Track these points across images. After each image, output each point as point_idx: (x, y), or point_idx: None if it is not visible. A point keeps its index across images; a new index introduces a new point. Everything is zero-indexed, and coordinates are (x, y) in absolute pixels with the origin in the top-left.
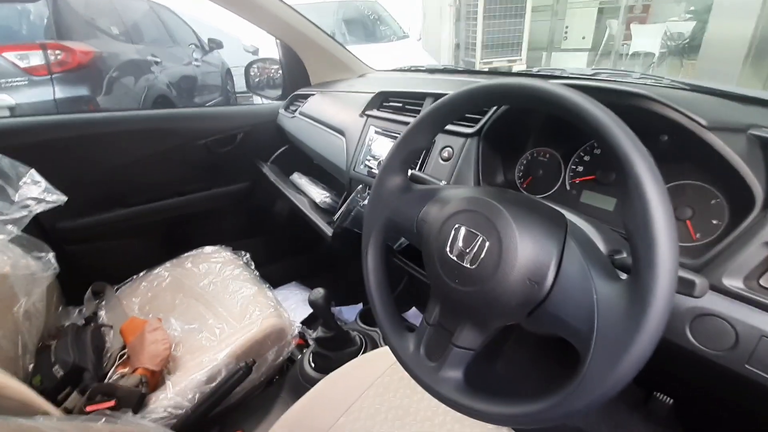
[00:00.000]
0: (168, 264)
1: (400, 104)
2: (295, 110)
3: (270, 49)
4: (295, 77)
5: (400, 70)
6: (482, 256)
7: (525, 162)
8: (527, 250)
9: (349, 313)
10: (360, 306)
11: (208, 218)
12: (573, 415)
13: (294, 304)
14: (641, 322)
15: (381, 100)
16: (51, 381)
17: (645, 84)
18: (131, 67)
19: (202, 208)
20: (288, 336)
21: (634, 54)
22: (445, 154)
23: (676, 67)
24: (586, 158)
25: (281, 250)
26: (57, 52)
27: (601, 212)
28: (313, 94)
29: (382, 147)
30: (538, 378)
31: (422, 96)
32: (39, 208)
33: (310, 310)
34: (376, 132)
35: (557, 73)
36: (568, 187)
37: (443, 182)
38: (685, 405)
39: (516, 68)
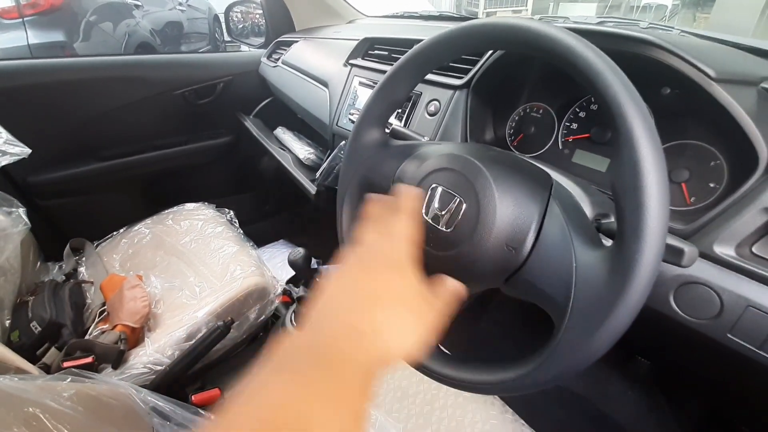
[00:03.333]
0: (149, 221)
1: (386, 52)
2: (278, 59)
3: None
4: (278, 22)
5: (393, 16)
6: (458, 218)
7: (517, 118)
8: (506, 214)
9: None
10: None
11: (189, 174)
12: (541, 385)
13: (281, 263)
14: (620, 294)
15: (366, 47)
16: (29, 337)
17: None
18: (109, 11)
19: (183, 163)
20: (271, 294)
21: (645, 6)
22: (432, 108)
23: (689, 21)
24: (582, 114)
25: (268, 207)
26: None
27: (594, 173)
28: (296, 41)
29: (364, 98)
30: (513, 346)
31: (410, 43)
32: (1, 162)
33: None
34: (361, 83)
35: (560, 22)
36: (560, 146)
37: (426, 138)
38: (664, 369)
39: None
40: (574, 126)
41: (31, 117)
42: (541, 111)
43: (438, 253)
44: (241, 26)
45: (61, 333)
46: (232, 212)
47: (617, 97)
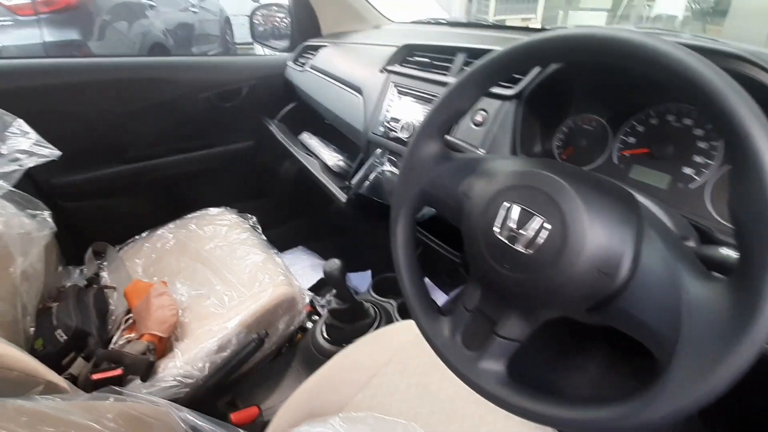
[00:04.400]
0: (171, 225)
1: (427, 60)
2: (305, 63)
3: None
4: (305, 26)
5: (420, 22)
6: (541, 240)
7: (566, 130)
8: (598, 236)
9: (357, 280)
10: (369, 273)
11: (211, 178)
12: (646, 427)
13: (301, 270)
14: (746, 331)
15: (405, 54)
16: (54, 345)
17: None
18: (124, 11)
19: (204, 167)
20: (299, 305)
21: (656, 17)
22: (479, 118)
23: (698, 32)
24: (640, 128)
25: (287, 212)
26: None
27: (654, 190)
28: (325, 46)
29: (405, 107)
30: (595, 378)
31: (453, 51)
32: (30, 163)
33: (318, 276)
34: (399, 90)
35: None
36: (615, 160)
37: (483, 151)
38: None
39: (531, 26)
40: (632, 140)
41: (56, 117)
42: (593, 123)
43: (515, 276)
44: (261, 29)
45: (86, 341)
46: (254, 218)
47: (742, 118)
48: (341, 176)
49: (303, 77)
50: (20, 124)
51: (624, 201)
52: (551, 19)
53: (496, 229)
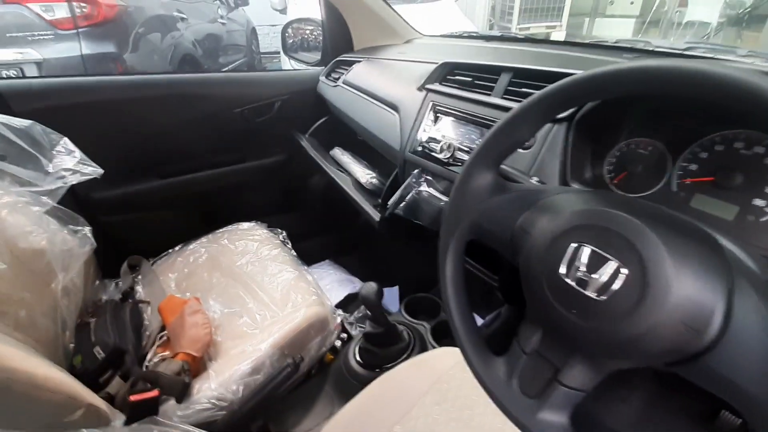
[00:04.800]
0: (204, 239)
1: (468, 79)
2: (338, 78)
3: (300, 6)
4: (338, 41)
5: (451, 36)
6: (616, 286)
7: (618, 154)
8: (685, 287)
9: (386, 296)
10: (396, 290)
11: (242, 192)
12: None
13: (329, 285)
14: None
15: (444, 72)
16: (92, 362)
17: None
18: (157, 23)
19: (236, 181)
20: (330, 325)
21: (688, 23)
22: (527, 142)
23: (732, 40)
24: (703, 155)
25: (315, 226)
26: (82, 4)
27: (718, 221)
28: (358, 61)
29: (444, 128)
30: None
31: (497, 70)
32: (74, 180)
33: (346, 292)
34: (438, 110)
35: (639, 46)
36: (674, 188)
37: (535, 179)
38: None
39: (555, 35)
40: (693, 167)
41: (97, 133)
42: (649, 148)
43: (585, 323)
44: (291, 42)
45: (123, 359)
46: (284, 233)
47: None
48: (373, 193)
49: (335, 92)
50: (66, 142)
51: (709, 246)
52: (576, 27)
53: (562, 271)
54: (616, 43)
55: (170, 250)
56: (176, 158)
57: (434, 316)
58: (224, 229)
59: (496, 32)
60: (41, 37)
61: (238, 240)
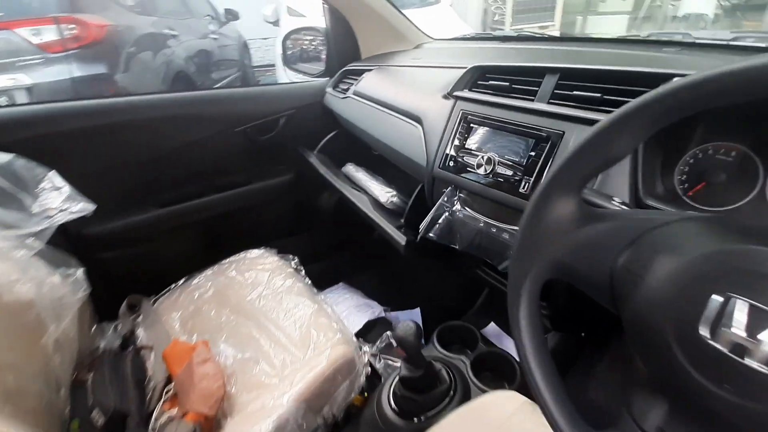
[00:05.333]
0: (209, 272)
1: (506, 83)
2: (347, 89)
3: (294, 18)
4: (344, 50)
5: (463, 38)
6: None
7: (691, 161)
8: None
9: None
10: (418, 312)
11: (248, 216)
12: None
13: (346, 311)
14: None
15: (475, 77)
16: (91, 428)
17: None
18: (148, 42)
19: (241, 205)
20: (358, 365)
21: (684, 16)
22: None
23: (730, 29)
24: None
25: (326, 247)
26: (70, 26)
27: None
28: (368, 70)
29: (480, 139)
30: None
31: (540, 72)
32: (62, 219)
33: (365, 319)
34: (471, 119)
35: (677, 38)
36: None
37: (616, 201)
38: None
39: (597, 36)
40: None
41: (88, 163)
42: (732, 153)
43: (748, 404)
44: (291, 52)
45: (126, 424)
46: (296, 258)
47: None
48: (394, 213)
49: (345, 105)
50: (52, 176)
51: None
52: (569, 25)
53: (703, 332)
54: (648, 37)
55: (173, 285)
56: (176, 184)
57: (469, 346)
58: (231, 258)
59: (511, 32)
60: (31, 62)
61: (247, 270)
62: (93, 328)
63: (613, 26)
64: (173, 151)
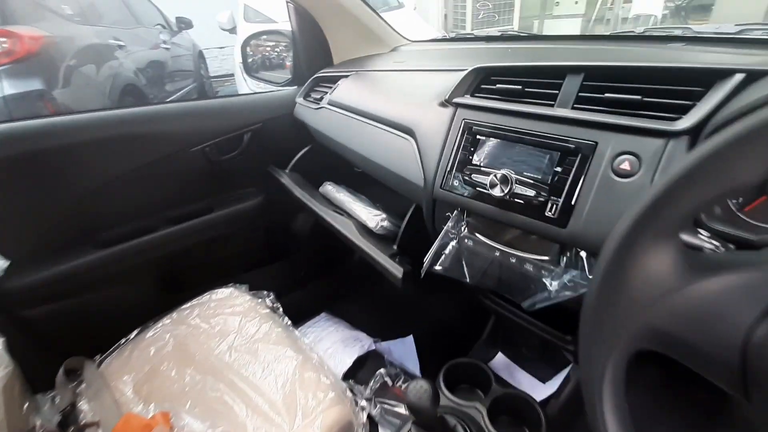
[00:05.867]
0: (167, 320)
1: (517, 87)
2: (320, 99)
3: (252, 24)
4: (314, 55)
5: (443, 40)
6: None
7: None
8: None
9: (400, 350)
10: (411, 340)
11: (211, 250)
12: None
13: (331, 348)
14: None
15: (478, 81)
16: None
17: None
18: (92, 54)
19: (205, 237)
20: (356, 428)
21: (635, 17)
22: (625, 166)
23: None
24: None
25: (304, 275)
26: (1, 39)
27: None
28: (344, 76)
29: (491, 153)
30: None
31: (559, 72)
32: None
33: (354, 355)
34: (477, 130)
35: (678, 33)
36: None
37: (715, 243)
38: None
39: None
40: None
41: (8, 200)
42: None
43: None
44: (251, 60)
45: None
46: (272, 295)
47: None
48: (385, 238)
49: (319, 116)
50: None
51: None
52: (527, 29)
53: None
54: (644, 32)
55: (122, 341)
56: (121, 219)
57: (480, 386)
58: (193, 302)
59: (494, 32)
60: None
61: (213, 315)
62: (25, 406)
63: (568, 28)
64: (116, 179)
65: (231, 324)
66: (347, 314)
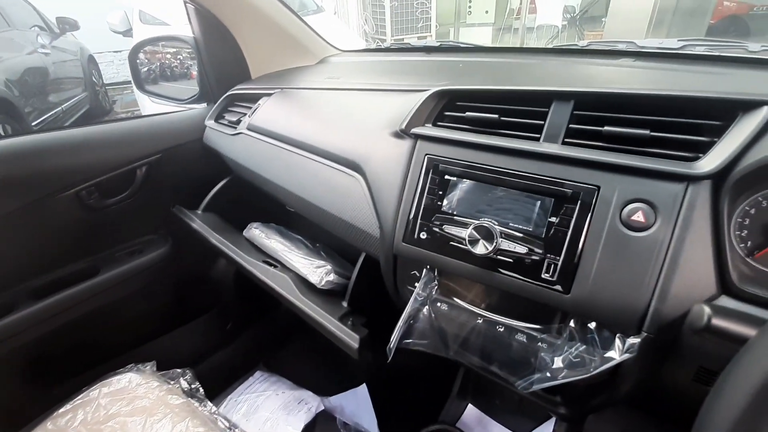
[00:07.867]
0: (49, 424)
1: (494, 115)
2: (237, 122)
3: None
4: (226, 68)
5: (377, 50)
6: None
7: (753, 213)
8: None
9: (352, 405)
10: (364, 390)
11: (106, 319)
12: None
13: (272, 418)
14: None
15: (440, 106)
16: None
17: None
18: None
19: (92, 307)
20: None
21: (538, 27)
22: (638, 218)
23: (574, 39)
24: None
25: (231, 329)
26: None
27: None
28: (266, 94)
29: (463, 198)
30: None
31: (544, 99)
32: None
33: (302, 422)
34: (445, 169)
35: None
36: None
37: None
38: None
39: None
40: None
41: None
42: None
43: None
44: (145, 70)
45: None
46: (188, 374)
47: None
48: (332, 293)
49: (237, 144)
50: None
51: None
52: (443, 36)
53: None
54: (587, 46)
55: None
56: None
57: None
58: (76, 400)
59: (432, 42)
60: None
61: (105, 419)
62: None
63: (480, 36)
64: None
65: (133, 426)
66: (287, 367)
